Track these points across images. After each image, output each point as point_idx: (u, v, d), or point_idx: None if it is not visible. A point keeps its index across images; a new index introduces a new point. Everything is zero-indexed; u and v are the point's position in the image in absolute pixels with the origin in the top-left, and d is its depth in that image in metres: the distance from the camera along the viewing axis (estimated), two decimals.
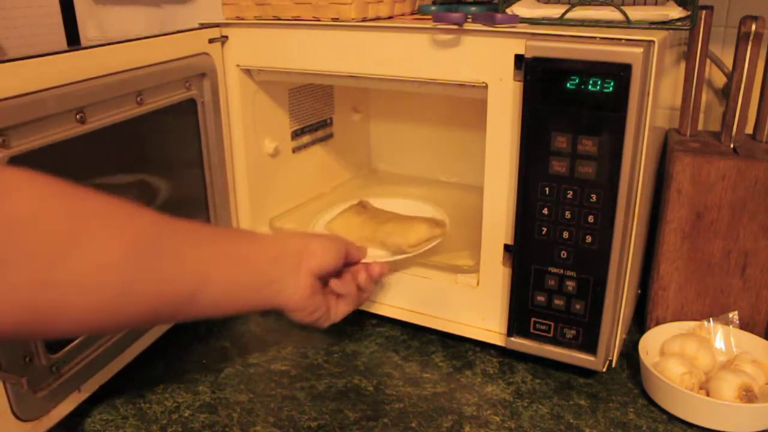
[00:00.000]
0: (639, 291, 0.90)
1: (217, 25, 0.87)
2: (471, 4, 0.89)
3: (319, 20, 0.82)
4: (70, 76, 0.67)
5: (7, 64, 0.61)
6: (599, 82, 0.66)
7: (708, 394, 0.71)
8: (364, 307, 0.86)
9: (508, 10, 0.80)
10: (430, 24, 0.77)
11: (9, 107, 0.60)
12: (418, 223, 0.88)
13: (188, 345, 0.84)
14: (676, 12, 0.75)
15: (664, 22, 0.74)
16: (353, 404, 0.73)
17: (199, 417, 0.71)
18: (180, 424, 0.70)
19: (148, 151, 0.79)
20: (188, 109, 0.84)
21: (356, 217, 0.94)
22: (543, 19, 0.76)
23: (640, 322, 0.87)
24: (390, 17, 0.88)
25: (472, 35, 0.73)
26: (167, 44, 0.79)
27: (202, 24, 0.87)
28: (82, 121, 0.68)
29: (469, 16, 0.77)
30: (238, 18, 0.87)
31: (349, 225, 0.92)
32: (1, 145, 0.60)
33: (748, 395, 0.69)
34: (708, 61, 0.93)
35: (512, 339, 0.77)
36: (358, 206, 0.97)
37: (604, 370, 0.74)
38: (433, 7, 0.91)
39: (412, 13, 0.94)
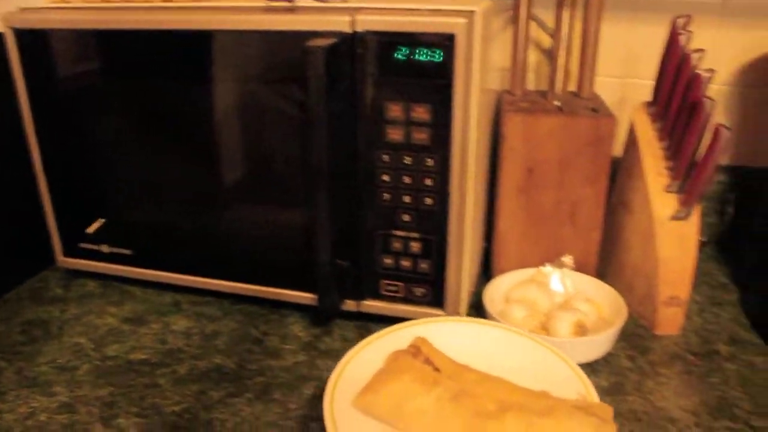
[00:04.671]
0: (485, 244, 0.95)
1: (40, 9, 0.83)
2: None
3: (151, 2, 0.81)
4: None
5: None
6: (427, 52, 0.69)
7: (548, 333, 0.77)
8: (218, 288, 0.87)
9: None
10: (263, 2, 0.77)
11: None
12: (573, 422, 0.55)
13: (39, 346, 0.81)
14: None
15: None
16: (216, 383, 0.74)
17: (57, 419, 0.69)
18: (37, 429, 0.68)
19: None
20: None
21: (423, 390, 0.58)
22: None
23: (488, 274, 0.92)
24: None
25: (304, 12, 0.73)
26: None
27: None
28: None
29: None
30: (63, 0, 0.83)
31: (418, 413, 0.57)
32: None
33: (581, 330, 0.76)
34: (536, 23, 0.99)
35: (365, 302, 0.80)
36: (414, 359, 0.63)
37: None
38: None
39: None
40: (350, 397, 0.61)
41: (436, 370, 0.62)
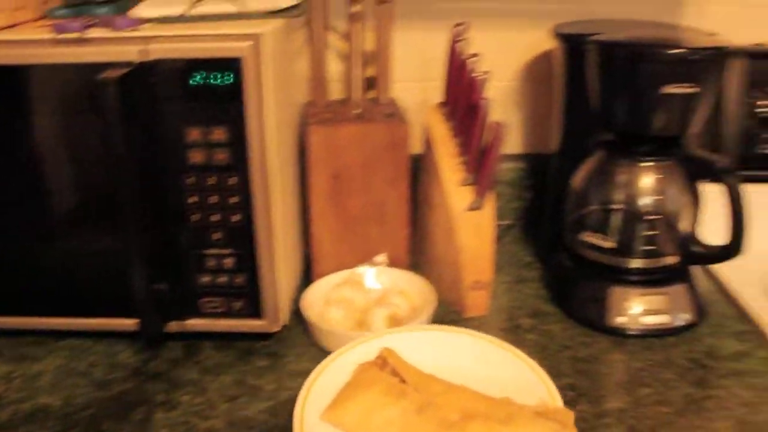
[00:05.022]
0: (306, 250, 0.99)
1: None
2: (101, 4, 0.88)
3: None
4: None
5: None
6: (219, 76, 0.72)
7: (365, 329, 0.82)
8: (39, 326, 0.85)
9: (131, 13, 0.82)
10: (51, 35, 0.77)
11: None
12: (534, 428, 0.57)
13: None
14: (286, 1, 0.83)
15: (277, 12, 0.82)
16: (42, 424, 0.73)
17: None
18: None
19: None
20: None
21: (390, 402, 0.60)
22: (165, 18, 0.80)
23: (311, 280, 0.96)
24: (13, 25, 0.85)
25: (96, 44, 0.74)
26: None
27: None
28: None
29: (96, 20, 0.78)
30: None
31: (386, 425, 0.59)
32: None
33: (395, 322, 0.82)
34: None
35: (188, 322, 0.82)
36: (380, 371, 0.64)
37: (279, 330, 0.82)
38: (63, 11, 0.88)
39: (42, 18, 0.91)
40: (318, 412, 0.62)
41: (403, 381, 0.63)
